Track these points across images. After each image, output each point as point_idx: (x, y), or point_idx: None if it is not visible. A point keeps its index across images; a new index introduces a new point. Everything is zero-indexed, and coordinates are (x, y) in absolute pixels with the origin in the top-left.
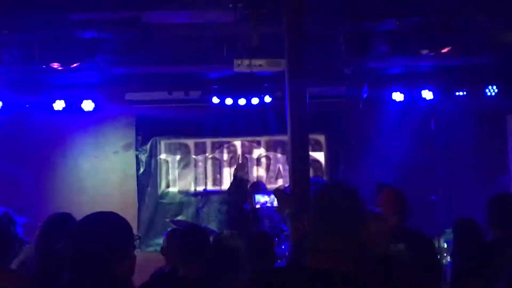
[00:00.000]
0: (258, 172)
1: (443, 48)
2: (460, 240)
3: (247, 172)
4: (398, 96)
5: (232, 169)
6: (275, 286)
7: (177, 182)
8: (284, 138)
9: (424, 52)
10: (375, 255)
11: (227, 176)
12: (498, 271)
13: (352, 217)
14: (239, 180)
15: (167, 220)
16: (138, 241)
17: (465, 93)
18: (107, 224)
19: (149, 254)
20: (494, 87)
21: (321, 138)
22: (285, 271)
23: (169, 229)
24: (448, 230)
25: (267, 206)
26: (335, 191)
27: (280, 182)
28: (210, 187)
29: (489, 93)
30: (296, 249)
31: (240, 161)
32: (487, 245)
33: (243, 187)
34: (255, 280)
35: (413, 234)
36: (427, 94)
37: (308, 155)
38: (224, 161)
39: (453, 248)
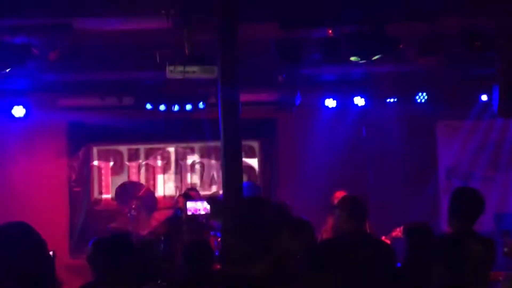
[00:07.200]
0: (192, 179)
1: (374, 55)
2: (416, 243)
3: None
4: (330, 103)
5: (166, 176)
6: None
7: (111, 189)
8: (218, 144)
9: (356, 59)
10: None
11: (161, 183)
12: (465, 262)
13: (262, 225)
14: None
15: (101, 227)
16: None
17: (396, 100)
18: (21, 233)
19: (81, 261)
20: (424, 94)
21: (255, 145)
22: (200, 277)
23: (94, 238)
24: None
25: (200, 214)
26: (250, 202)
27: (214, 188)
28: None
29: (419, 100)
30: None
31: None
32: (449, 237)
33: None
34: None
35: (374, 239)
36: (359, 101)
37: (241, 161)
38: (158, 167)
39: (409, 252)
